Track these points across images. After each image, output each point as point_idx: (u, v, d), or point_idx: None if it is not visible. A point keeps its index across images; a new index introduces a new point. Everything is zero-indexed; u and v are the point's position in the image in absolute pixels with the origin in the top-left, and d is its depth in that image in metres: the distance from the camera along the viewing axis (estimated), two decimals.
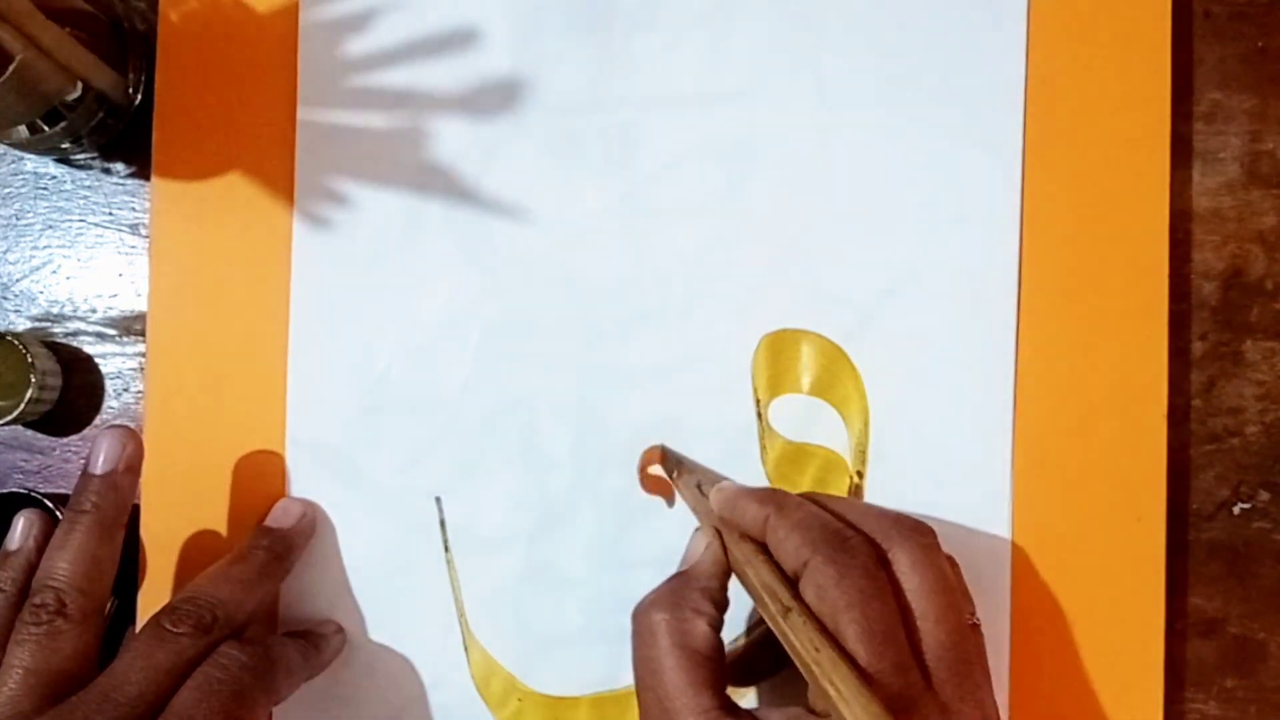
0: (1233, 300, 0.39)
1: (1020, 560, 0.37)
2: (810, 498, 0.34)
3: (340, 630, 0.39)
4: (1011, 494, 0.38)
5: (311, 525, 0.39)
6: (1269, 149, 0.39)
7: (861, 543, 0.31)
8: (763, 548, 0.33)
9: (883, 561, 0.31)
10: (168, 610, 0.34)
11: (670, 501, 0.39)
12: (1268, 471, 0.39)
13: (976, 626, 0.32)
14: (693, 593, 0.33)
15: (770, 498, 0.33)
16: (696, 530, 0.36)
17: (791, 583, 0.32)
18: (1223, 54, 0.39)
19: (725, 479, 0.36)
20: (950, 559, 0.34)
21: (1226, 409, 0.39)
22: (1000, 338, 0.38)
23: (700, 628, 0.32)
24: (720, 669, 0.32)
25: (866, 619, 0.29)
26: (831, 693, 0.29)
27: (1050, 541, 0.37)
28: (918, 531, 0.32)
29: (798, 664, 0.30)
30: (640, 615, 0.33)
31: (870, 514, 0.33)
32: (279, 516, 0.38)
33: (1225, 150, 0.39)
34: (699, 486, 0.36)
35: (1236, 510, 0.39)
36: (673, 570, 0.35)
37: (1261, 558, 0.38)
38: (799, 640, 0.30)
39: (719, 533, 0.34)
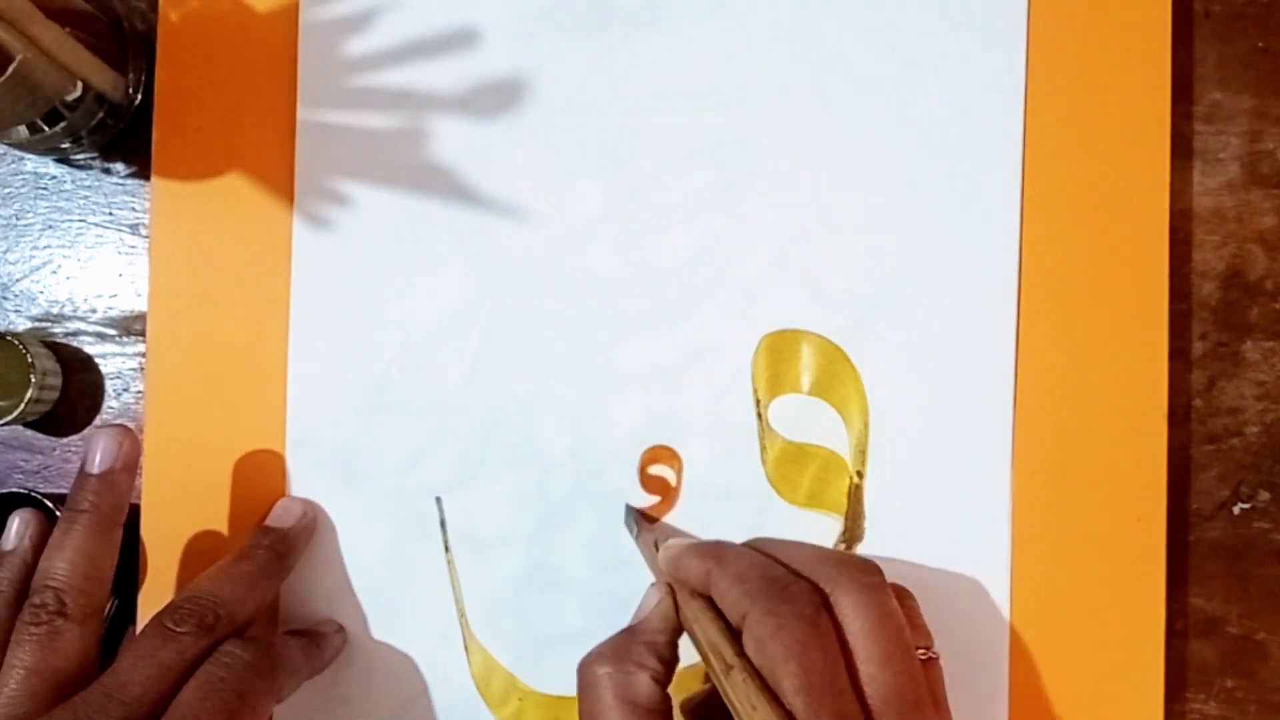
0: (1233, 300, 0.39)
1: (1020, 560, 0.37)
2: (755, 545, 0.34)
3: (341, 629, 0.39)
4: (1011, 494, 0.38)
5: (312, 524, 0.39)
6: (1269, 149, 0.39)
7: (801, 590, 0.31)
8: (711, 603, 0.33)
9: (826, 605, 0.31)
10: (170, 609, 0.34)
11: (670, 502, 0.39)
12: (1268, 471, 0.39)
13: (933, 661, 0.32)
14: (638, 647, 0.33)
15: (711, 552, 0.33)
16: (652, 585, 0.36)
17: (736, 639, 0.31)
18: (1223, 54, 0.39)
19: (682, 536, 0.36)
20: (904, 593, 0.34)
21: (1226, 409, 0.39)
22: (1000, 338, 0.38)
23: (643, 682, 0.32)
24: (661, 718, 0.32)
25: (804, 670, 0.29)
26: None
27: (1050, 541, 0.37)
28: (861, 571, 0.32)
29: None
30: (585, 668, 0.33)
31: (813, 557, 0.33)
32: (280, 516, 0.38)
33: (1225, 150, 0.39)
34: (656, 544, 0.36)
35: (1236, 510, 0.39)
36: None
37: (1261, 558, 0.38)
38: (737, 699, 0.30)
39: (671, 589, 0.34)
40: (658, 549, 0.36)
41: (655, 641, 0.33)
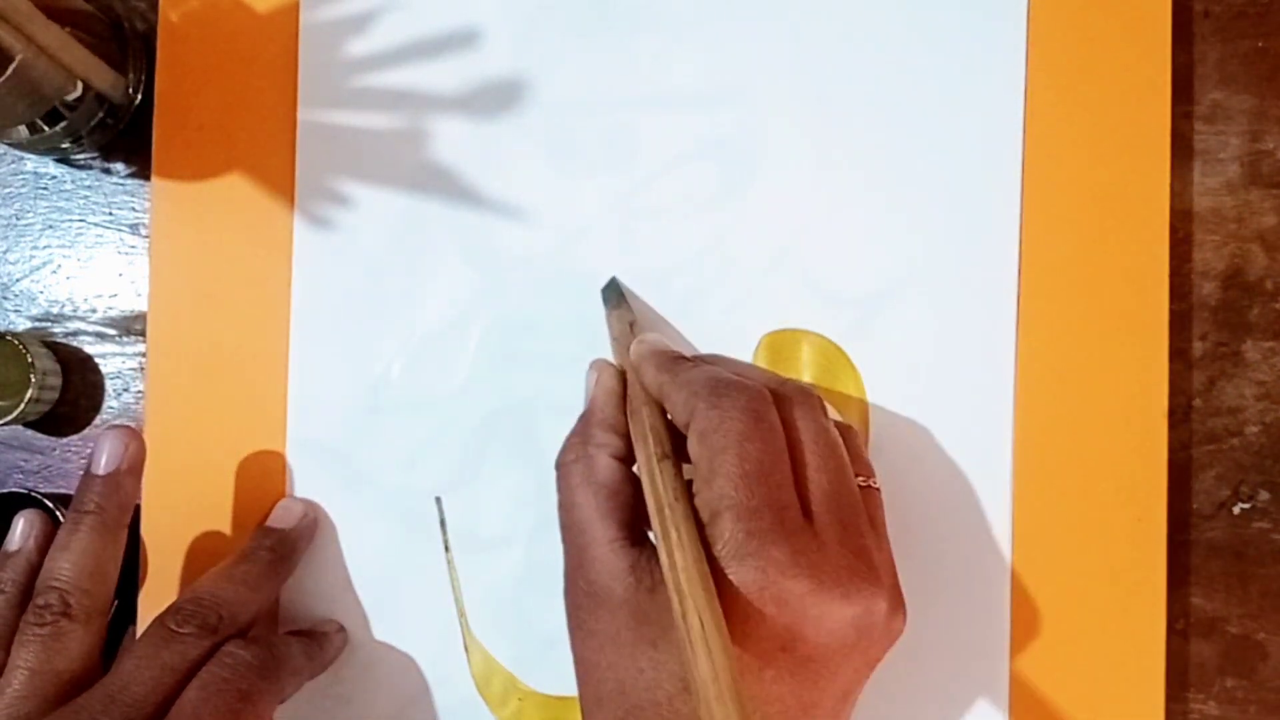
0: (1233, 300, 0.39)
1: (1020, 560, 0.37)
2: (710, 359, 0.35)
3: (342, 629, 0.39)
4: (1011, 494, 0.38)
5: (313, 525, 0.39)
6: (1269, 149, 0.39)
7: (748, 389, 0.31)
8: (661, 407, 0.33)
9: (777, 407, 0.31)
10: (172, 610, 0.34)
11: None
12: (1268, 471, 0.39)
13: (872, 490, 0.33)
14: (593, 429, 0.34)
15: (668, 363, 0.34)
16: (593, 362, 0.36)
17: (672, 436, 0.32)
18: (1223, 54, 0.39)
19: (652, 336, 0.36)
20: (847, 426, 0.35)
21: (1226, 409, 0.39)
22: (1000, 338, 0.38)
23: (604, 461, 0.33)
24: (627, 499, 0.32)
25: (741, 459, 0.29)
26: (673, 536, 0.29)
27: (1050, 541, 0.37)
28: (802, 391, 0.33)
29: (652, 514, 0.30)
30: (556, 464, 0.34)
31: (762, 374, 0.34)
32: (280, 516, 0.38)
33: (1225, 150, 0.39)
34: (631, 325, 0.36)
35: (1237, 510, 0.39)
36: None
37: (1262, 558, 0.38)
38: (663, 487, 0.30)
39: (617, 369, 0.35)
40: (633, 329, 0.36)
41: (608, 419, 0.34)
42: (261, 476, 0.40)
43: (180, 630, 0.33)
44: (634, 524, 0.32)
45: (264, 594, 0.36)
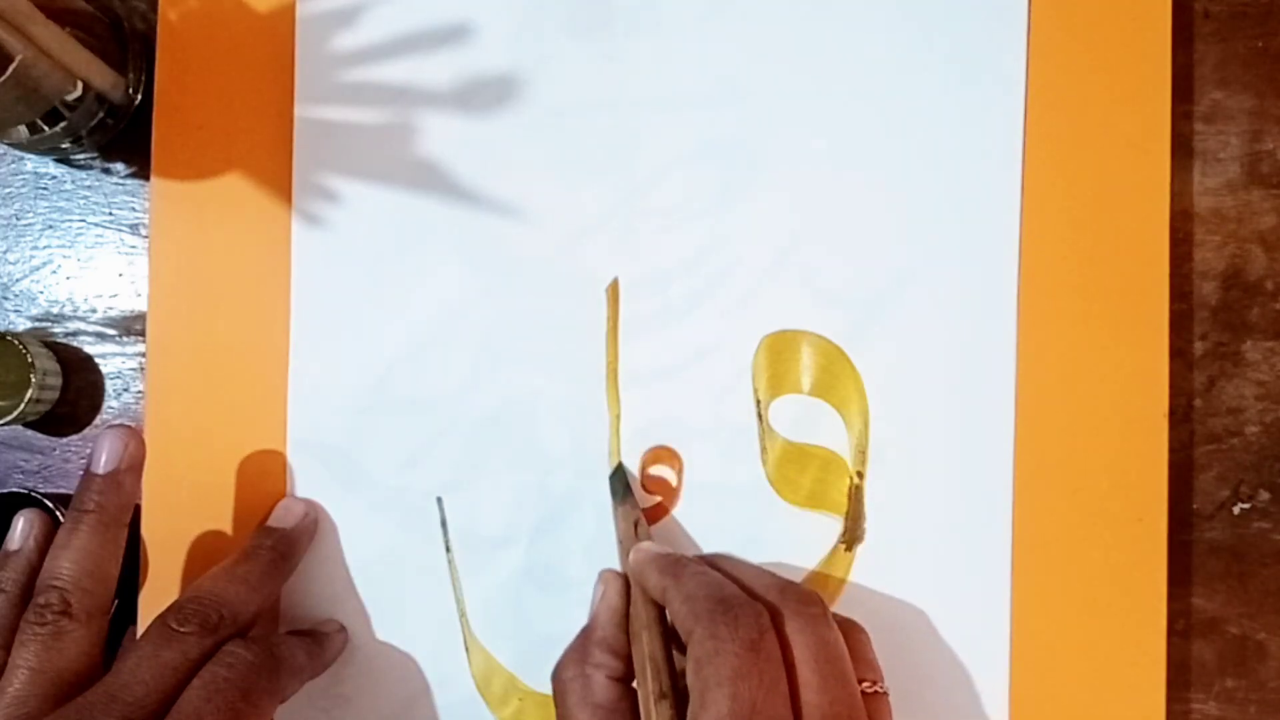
0: (1233, 300, 0.39)
1: (1021, 560, 0.37)
2: (714, 563, 0.35)
3: (343, 629, 0.39)
4: (1012, 494, 0.38)
5: (314, 525, 0.39)
6: (1269, 149, 0.39)
7: (747, 613, 0.31)
8: (663, 615, 0.33)
9: (775, 629, 0.31)
10: (173, 609, 0.34)
11: (671, 502, 0.39)
12: (1268, 471, 0.39)
13: (879, 695, 0.32)
14: (593, 648, 0.34)
15: (670, 567, 0.34)
16: (601, 573, 0.37)
17: (672, 669, 0.32)
18: (1223, 54, 0.39)
19: (651, 543, 0.36)
20: (854, 626, 0.34)
21: (1227, 409, 0.39)
22: (1000, 338, 0.38)
23: (600, 681, 0.33)
24: (624, 717, 0.33)
25: (733, 699, 0.29)
26: None
27: (1050, 541, 0.37)
28: (803, 601, 0.32)
29: None
30: (553, 678, 0.34)
31: (764, 581, 0.33)
32: (281, 516, 0.38)
33: (1225, 150, 0.39)
34: (636, 524, 0.37)
35: (1237, 510, 0.39)
36: None
37: (1262, 558, 0.38)
38: None
39: (623, 580, 0.36)
40: (636, 530, 0.36)
41: (607, 639, 0.35)
42: (262, 476, 0.40)
43: (181, 629, 0.33)
44: None
45: (265, 593, 0.36)
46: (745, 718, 0.29)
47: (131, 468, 0.36)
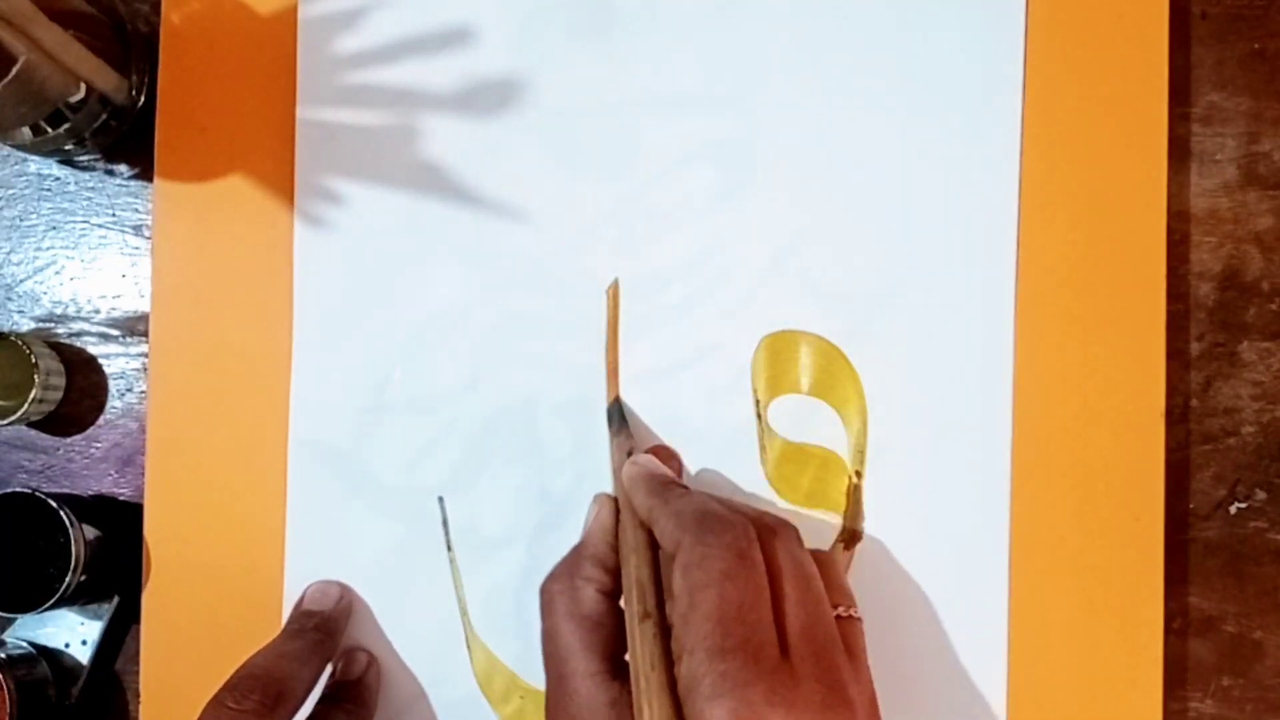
0: (1229, 301, 0.39)
1: (1018, 559, 0.38)
2: (703, 494, 0.35)
3: (372, 660, 0.39)
4: (1010, 494, 0.38)
5: (349, 606, 0.39)
6: (1265, 150, 0.39)
7: (735, 523, 0.32)
8: (651, 538, 0.34)
9: (760, 544, 0.32)
10: (228, 688, 0.34)
11: None
12: (1264, 471, 0.39)
13: (853, 620, 0.33)
14: (583, 562, 0.34)
15: (659, 489, 0.34)
16: (596, 495, 0.37)
17: (659, 591, 0.32)
18: (1220, 56, 0.39)
19: (649, 459, 0.36)
20: (827, 555, 0.36)
21: (1223, 409, 0.39)
22: (998, 338, 0.38)
23: (589, 594, 0.33)
24: (611, 633, 0.33)
25: (720, 599, 0.30)
26: (645, 714, 0.29)
27: (1048, 541, 0.38)
28: (782, 525, 0.33)
29: (630, 669, 0.31)
30: (541, 590, 0.34)
31: (748, 507, 0.34)
32: (318, 599, 0.39)
33: (1222, 152, 0.39)
34: (630, 454, 0.37)
35: (1233, 510, 0.39)
36: None
37: (1258, 557, 0.39)
38: (641, 650, 0.31)
39: (616, 503, 0.36)
40: (630, 456, 0.36)
41: (598, 554, 0.35)
42: (264, 476, 0.40)
43: (238, 707, 0.33)
44: (617, 656, 0.33)
45: (315, 670, 0.36)
46: (733, 617, 0.29)
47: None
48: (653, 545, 0.33)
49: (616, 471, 0.37)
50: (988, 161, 0.38)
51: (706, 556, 0.30)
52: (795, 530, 0.34)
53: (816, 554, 0.34)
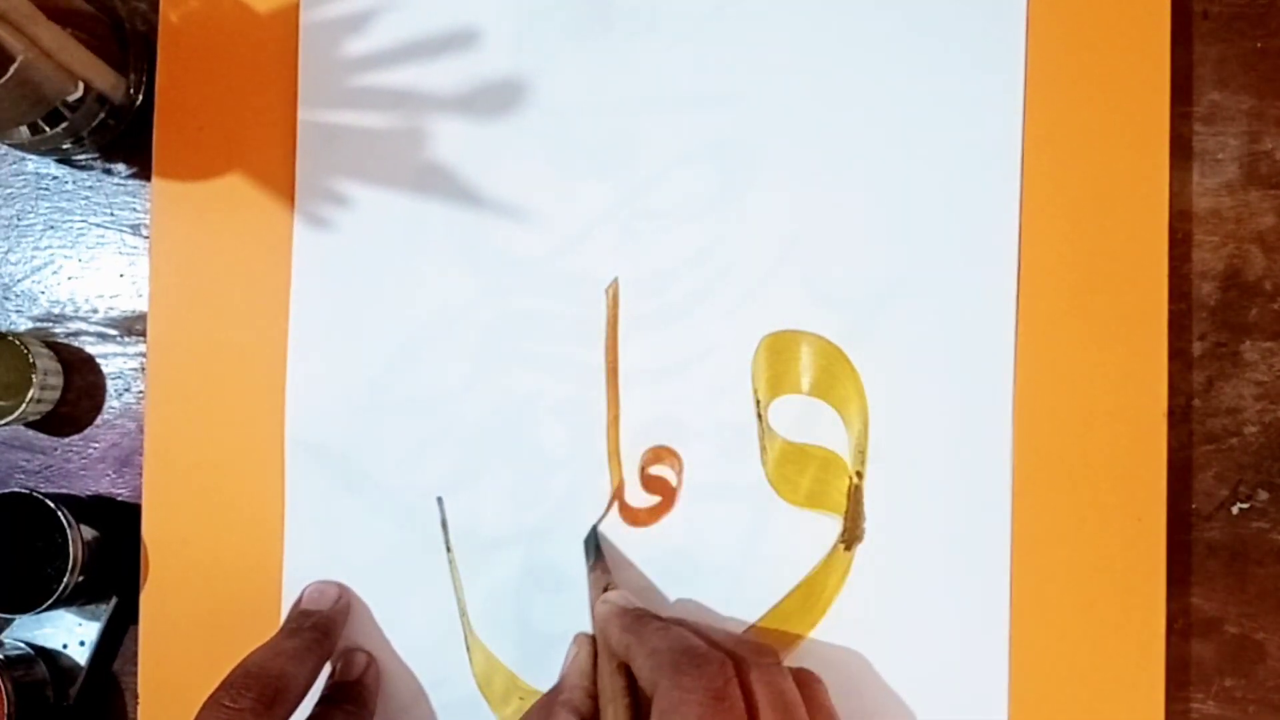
0: (1231, 301, 0.39)
1: (1020, 559, 0.38)
2: (678, 621, 0.35)
3: (371, 660, 0.39)
4: (1011, 494, 0.38)
5: (347, 606, 0.39)
6: (1267, 150, 0.39)
7: (711, 662, 0.32)
8: (629, 675, 0.34)
9: (740, 680, 0.32)
10: (225, 687, 0.34)
11: (670, 502, 0.39)
12: (1266, 471, 0.39)
13: None
14: (558, 709, 0.34)
15: (633, 624, 0.34)
16: (575, 636, 0.37)
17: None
18: (1222, 55, 0.39)
19: (621, 591, 0.37)
20: (811, 678, 0.35)
21: (1225, 409, 0.39)
22: (999, 338, 0.38)
23: None
24: None
25: None
26: None
27: (1050, 541, 0.38)
28: (759, 653, 0.33)
29: None
30: None
31: (722, 635, 0.34)
32: (315, 599, 0.39)
33: (1224, 151, 0.39)
34: (606, 589, 0.37)
35: (1235, 510, 0.39)
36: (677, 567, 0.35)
37: (1260, 557, 0.39)
38: None
39: (593, 642, 0.36)
40: (606, 591, 0.36)
41: (572, 700, 0.35)
42: (261, 476, 0.40)
43: (235, 705, 0.33)
44: None
45: (312, 668, 0.36)
46: None
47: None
48: (632, 690, 0.33)
49: (593, 607, 0.37)
50: (989, 160, 0.38)
51: (683, 701, 0.30)
52: (775, 656, 0.34)
53: (800, 675, 0.34)
